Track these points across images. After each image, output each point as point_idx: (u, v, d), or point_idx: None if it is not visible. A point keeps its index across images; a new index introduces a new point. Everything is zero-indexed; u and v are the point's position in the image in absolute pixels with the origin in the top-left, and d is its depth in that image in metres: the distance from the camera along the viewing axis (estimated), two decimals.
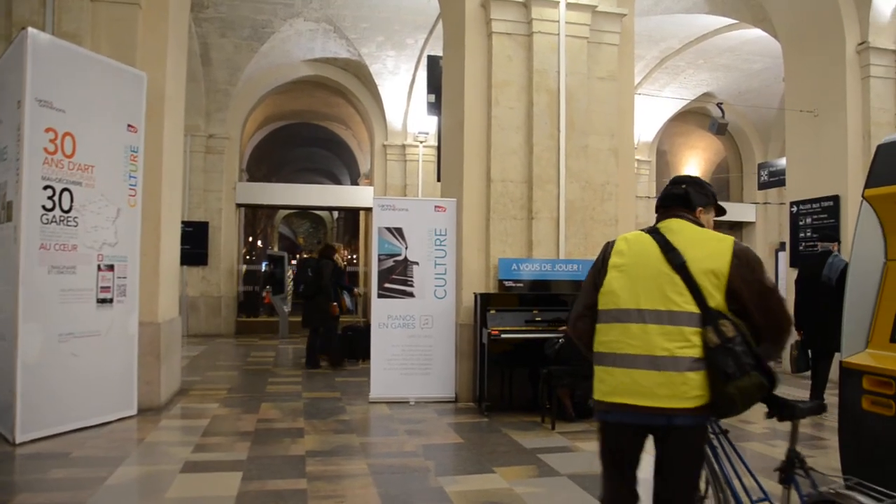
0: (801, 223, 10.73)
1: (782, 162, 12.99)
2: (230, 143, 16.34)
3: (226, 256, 16.37)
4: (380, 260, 8.26)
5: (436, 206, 8.43)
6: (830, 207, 10.08)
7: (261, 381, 9.68)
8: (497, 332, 7.37)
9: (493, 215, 8.12)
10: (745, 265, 2.61)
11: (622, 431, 2.71)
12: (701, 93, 17.85)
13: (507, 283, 7.98)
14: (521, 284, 7.93)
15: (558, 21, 8.14)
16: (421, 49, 14.88)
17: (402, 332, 8.21)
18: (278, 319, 16.59)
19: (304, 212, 34.00)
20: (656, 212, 2.95)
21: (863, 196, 3.35)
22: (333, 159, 26.79)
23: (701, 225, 2.82)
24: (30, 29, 6.13)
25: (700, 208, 2.87)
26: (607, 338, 2.73)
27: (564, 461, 5.64)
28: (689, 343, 2.55)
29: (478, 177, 8.24)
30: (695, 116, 19.67)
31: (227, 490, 4.74)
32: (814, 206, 10.47)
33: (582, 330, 2.88)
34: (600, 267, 2.86)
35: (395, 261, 8.26)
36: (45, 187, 6.15)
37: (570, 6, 8.16)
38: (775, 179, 14.66)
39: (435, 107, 10.97)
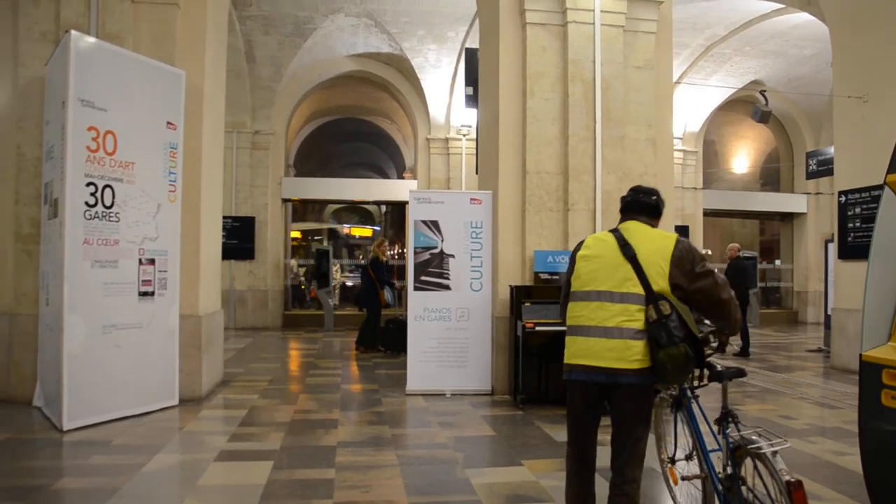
0: (849, 213, 10.43)
1: (831, 150, 12.62)
2: (275, 139, 16.60)
3: (272, 251, 16.64)
4: (416, 253, 8.32)
5: (471, 199, 8.44)
6: (881, 197, 9.75)
7: (303, 372, 9.83)
8: (532, 325, 7.36)
9: (529, 207, 8.10)
10: (684, 256, 3.26)
11: (580, 387, 3.36)
12: (749, 80, 17.45)
13: (542, 276, 7.96)
14: (556, 277, 7.90)
15: (593, 10, 8.06)
16: (462, 42, 14.89)
17: (438, 325, 8.25)
18: (324, 313, 16.78)
19: (353, 206, 34.21)
20: (621, 213, 3.62)
21: (885, 182, 3.25)
22: (380, 153, 26.95)
23: (655, 227, 3.52)
24: (73, 32, 6.34)
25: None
26: (574, 313, 3.41)
27: None
28: (633, 318, 3.20)
29: (513, 169, 8.23)
30: (743, 105, 19.23)
31: (257, 479, 4.85)
32: (863, 195, 10.17)
33: (565, 310, 3.56)
34: (571, 262, 3.57)
35: (431, 254, 8.30)
36: (88, 184, 6.35)
37: None
38: (824, 168, 14.27)
39: (473, 99, 10.96)
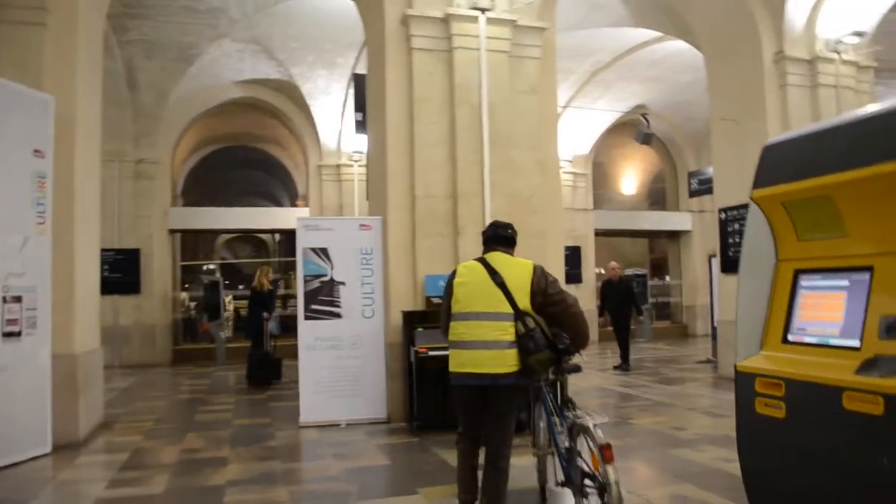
0: (729, 229, 10.90)
1: (711, 170, 13.22)
2: (161, 168, 15.96)
3: (159, 284, 15.94)
4: (306, 281, 8.11)
5: (361, 225, 8.33)
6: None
7: (191, 410, 9.42)
8: (425, 350, 7.28)
9: (419, 232, 8.05)
10: (540, 279, 4.12)
11: (466, 390, 4.16)
12: (633, 105, 18.12)
13: (434, 300, 7.89)
14: None
15: (479, 36, 8.14)
16: (352, 68, 14.81)
17: (330, 354, 8.05)
18: (216, 346, 16.17)
19: (246, 236, 33.41)
20: (484, 245, 4.40)
21: (751, 198, 3.37)
22: (272, 181, 26.50)
23: (512, 255, 4.33)
24: None
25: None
26: (456, 331, 4.20)
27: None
28: (506, 332, 4.02)
29: (402, 194, 8.15)
30: (629, 129, 19.87)
31: None
32: (741, 211, 10.63)
33: (446, 330, 4.33)
34: (449, 288, 4.34)
35: (321, 282, 8.12)
36: None
37: (490, 21, 8.16)
38: (705, 187, 14.94)
39: (363, 125, 10.89)
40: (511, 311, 4.03)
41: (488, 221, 7.86)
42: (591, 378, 11.67)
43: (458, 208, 8.07)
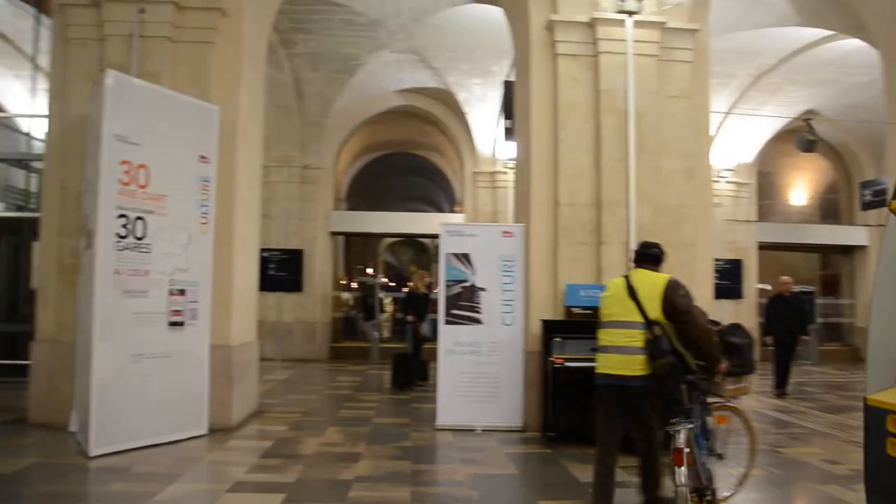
0: None
1: (887, 180, 12.08)
2: (324, 173, 16.79)
3: (320, 283, 16.75)
4: (447, 286, 8.25)
5: (504, 232, 8.37)
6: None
7: (337, 405, 9.81)
8: (560, 361, 7.20)
9: (561, 240, 7.97)
10: (672, 293, 4.58)
11: (605, 389, 4.74)
12: (802, 110, 16.91)
13: (574, 310, 7.80)
14: (589, 311, 7.69)
15: (625, 40, 7.96)
16: (507, 75, 14.90)
17: (469, 359, 8.12)
18: (370, 345, 16.75)
19: (409, 240, 34.34)
20: (634, 262, 5.06)
21: (889, 208, 3.06)
22: (432, 187, 27.09)
23: (657, 271, 4.88)
24: (109, 70, 6.62)
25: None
26: (600, 337, 4.87)
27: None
28: (636, 339, 4.58)
29: (546, 201, 8.12)
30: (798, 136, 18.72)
31: None
32: None
33: None
34: (601, 300, 5.06)
35: (462, 287, 8.23)
36: (120, 216, 6.53)
37: (637, 24, 7.96)
38: (879, 199, 13.65)
39: (512, 132, 10.91)
40: (642, 320, 4.57)
41: (633, 231, 7.84)
42: (745, 400, 11.01)
43: (602, 217, 7.93)
